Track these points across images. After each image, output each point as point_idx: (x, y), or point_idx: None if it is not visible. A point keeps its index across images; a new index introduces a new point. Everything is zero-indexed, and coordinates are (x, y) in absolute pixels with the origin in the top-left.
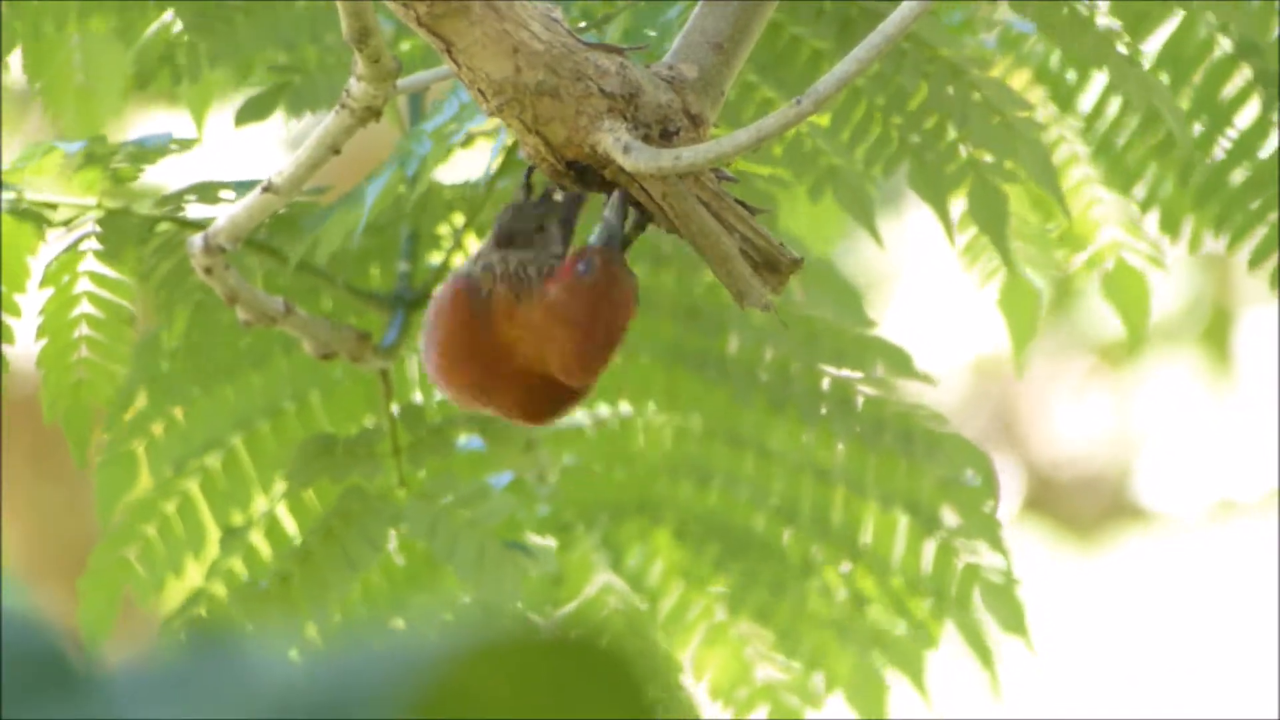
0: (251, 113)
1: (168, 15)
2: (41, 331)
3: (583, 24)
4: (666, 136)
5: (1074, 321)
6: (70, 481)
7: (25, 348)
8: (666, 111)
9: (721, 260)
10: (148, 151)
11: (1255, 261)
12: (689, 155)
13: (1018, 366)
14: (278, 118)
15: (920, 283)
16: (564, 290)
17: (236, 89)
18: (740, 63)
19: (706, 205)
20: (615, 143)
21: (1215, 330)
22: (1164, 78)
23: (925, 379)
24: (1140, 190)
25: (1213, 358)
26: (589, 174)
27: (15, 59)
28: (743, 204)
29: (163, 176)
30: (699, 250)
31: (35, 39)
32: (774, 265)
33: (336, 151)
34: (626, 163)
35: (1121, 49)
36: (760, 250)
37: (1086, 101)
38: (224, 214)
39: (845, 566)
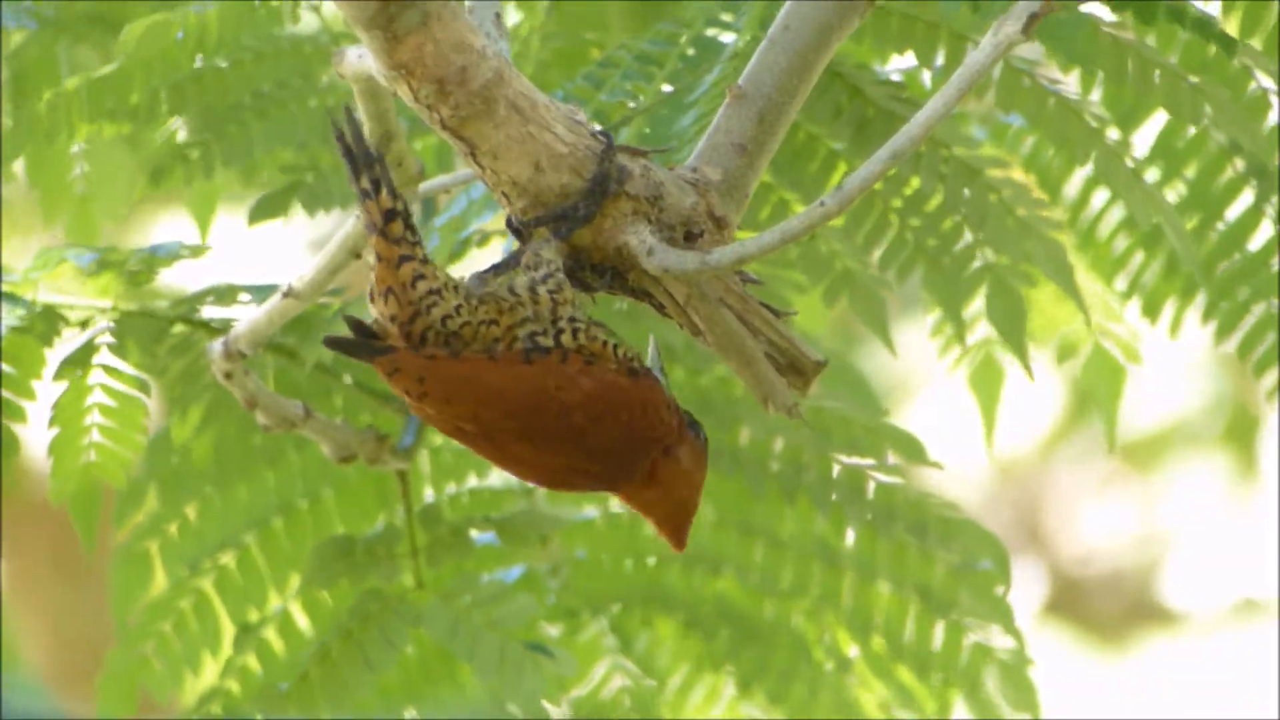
0: (265, 211)
1: (178, 120)
2: (54, 420)
3: (597, 127)
4: (690, 239)
5: (1097, 424)
6: (91, 583)
7: (42, 451)
8: (690, 214)
9: (746, 363)
10: (159, 258)
11: (1244, 353)
12: (713, 257)
13: (988, 445)
14: (282, 218)
15: (944, 383)
16: (689, 453)
17: (243, 190)
18: (764, 165)
19: (731, 308)
20: (640, 245)
21: (1238, 430)
22: (1155, 171)
23: (936, 466)
24: (1122, 281)
25: (1236, 458)
26: (614, 276)
27: (20, 166)
28: (768, 306)
29: (177, 277)
30: (723, 353)
31: (43, 146)
32: (799, 368)
33: (358, 256)
34: (651, 265)
35: (1111, 141)
36: (785, 353)
37: (1072, 189)
38: (244, 319)
39: (854, 651)
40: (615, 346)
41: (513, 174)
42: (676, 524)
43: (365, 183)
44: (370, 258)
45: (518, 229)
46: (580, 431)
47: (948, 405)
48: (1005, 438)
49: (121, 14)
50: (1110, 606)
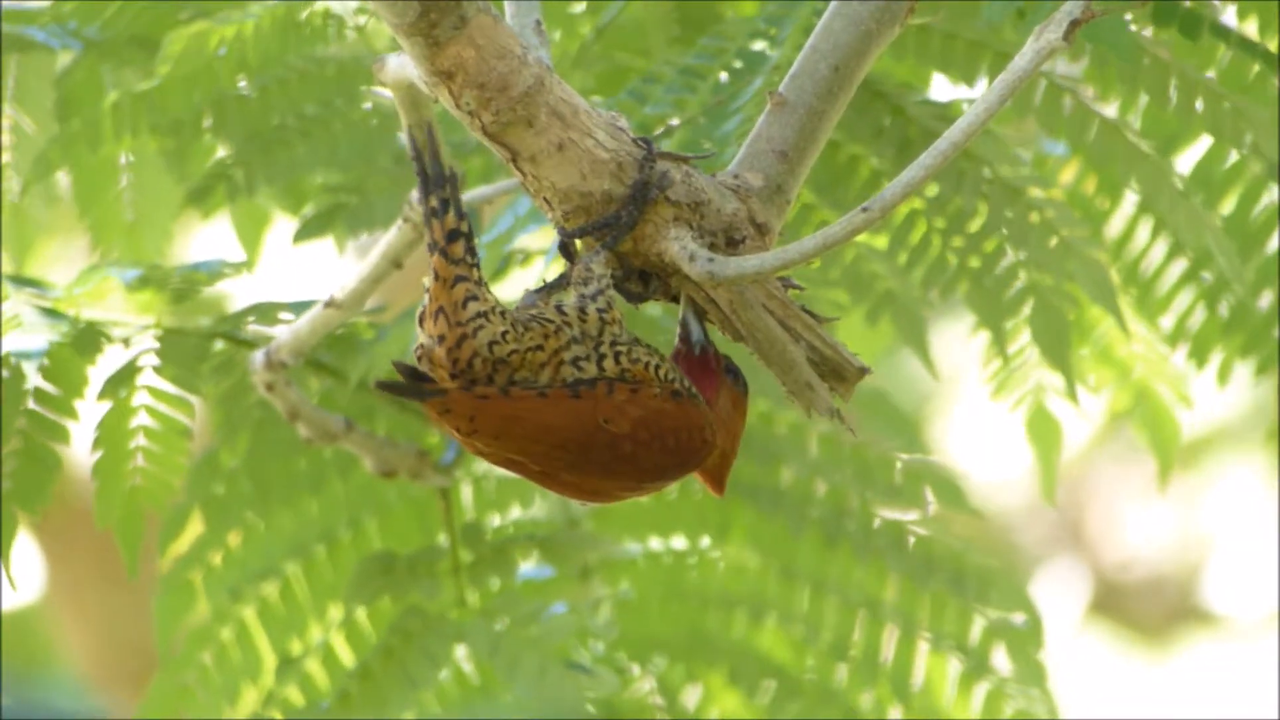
0: (309, 232)
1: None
2: (98, 443)
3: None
4: (732, 244)
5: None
6: (133, 587)
7: (85, 458)
8: (732, 220)
9: (788, 368)
10: (201, 275)
11: None
12: (755, 263)
13: (1047, 493)
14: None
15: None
16: (729, 400)
17: (288, 210)
18: (806, 171)
19: (773, 313)
20: (681, 251)
21: None
22: (1197, 199)
23: (975, 514)
24: (1168, 320)
25: (1277, 462)
26: (655, 281)
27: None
28: (810, 312)
29: (219, 292)
30: (765, 359)
31: (91, 173)
32: (841, 374)
33: (399, 266)
34: (693, 271)
35: (1177, 179)
36: (827, 359)
37: (1115, 227)
38: (286, 329)
39: (895, 713)
40: (657, 368)
41: (554, 180)
42: (717, 474)
43: (434, 201)
44: (427, 278)
45: (566, 246)
46: (630, 458)
47: (986, 412)
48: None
49: (164, 37)
50: (1152, 609)
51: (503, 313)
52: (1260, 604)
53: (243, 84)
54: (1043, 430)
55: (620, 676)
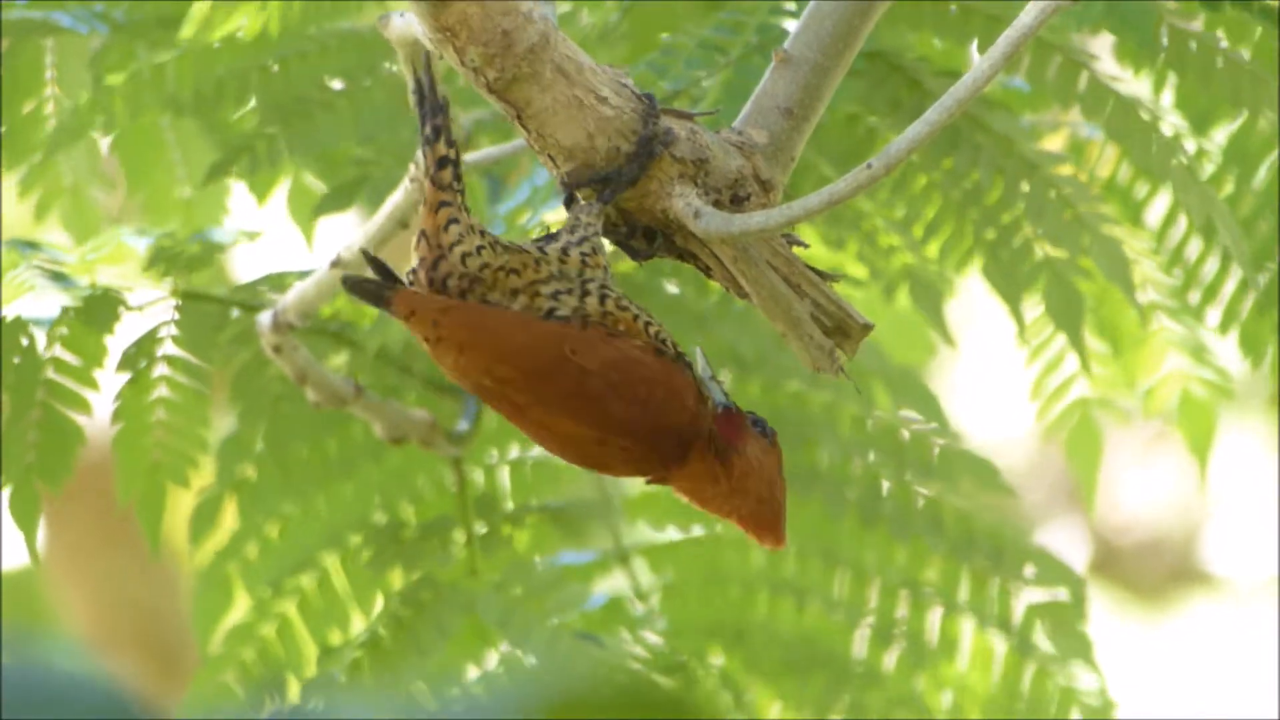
0: (331, 204)
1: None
2: (117, 416)
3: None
4: (737, 202)
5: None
6: (137, 550)
7: (94, 419)
8: (736, 177)
9: (792, 325)
10: (216, 244)
11: None
12: (759, 220)
13: (1089, 503)
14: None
15: (983, 349)
16: (758, 448)
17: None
18: (810, 128)
19: (777, 270)
20: (686, 208)
21: None
22: (1230, 182)
23: (1010, 493)
24: (1215, 313)
25: (1278, 425)
26: (660, 238)
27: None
28: (814, 269)
29: (236, 261)
30: (770, 315)
31: (113, 126)
32: (846, 330)
33: (404, 225)
34: (697, 228)
35: (1184, 156)
36: (832, 315)
37: (1154, 216)
38: (293, 290)
39: (946, 697)
40: (647, 324)
41: (559, 137)
42: (765, 522)
43: (428, 129)
44: (421, 206)
45: (569, 201)
46: (597, 399)
47: (985, 373)
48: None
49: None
50: (1152, 571)
51: (482, 232)
52: (1259, 567)
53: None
54: (1084, 444)
55: (683, 672)
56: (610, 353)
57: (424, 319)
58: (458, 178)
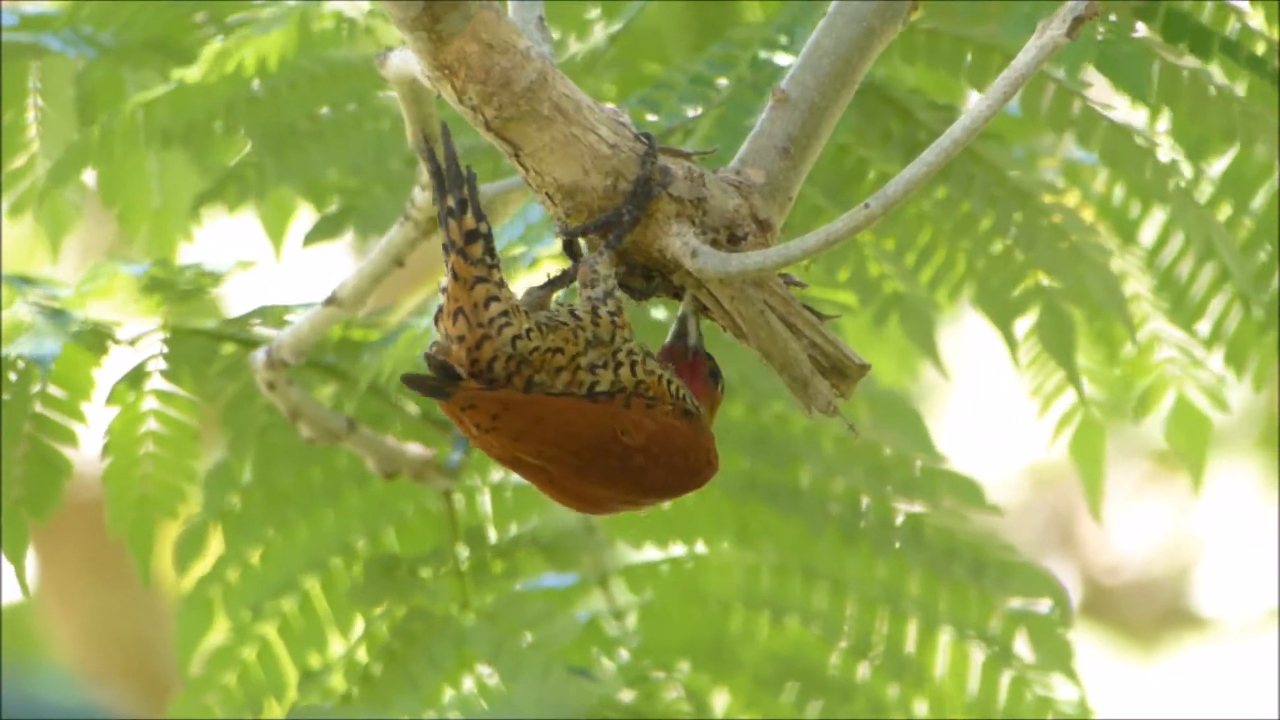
0: (320, 234)
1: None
2: (107, 450)
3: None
4: (734, 241)
5: (1130, 427)
6: (127, 584)
7: (84, 454)
8: (734, 216)
9: (788, 365)
10: (211, 274)
11: None
12: (757, 260)
13: (1094, 511)
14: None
15: (975, 388)
16: (708, 405)
17: (313, 203)
18: (808, 167)
19: (774, 310)
20: (683, 247)
21: (1271, 437)
22: (1226, 207)
23: (994, 511)
24: (1204, 326)
25: (1268, 465)
26: (658, 278)
27: (90, 179)
28: (811, 309)
29: (230, 292)
30: (766, 356)
31: (109, 163)
32: (842, 370)
33: (400, 264)
34: (694, 267)
35: (1182, 180)
36: (829, 356)
37: (1148, 235)
38: (288, 329)
39: (921, 707)
40: (669, 383)
41: (557, 175)
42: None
43: (451, 201)
44: (444, 278)
45: (569, 244)
46: (638, 471)
47: (980, 409)
48: (1038, 442)
49: (179, 40)
50: (1143, 611)
51: (526, 312)
52: (1250, 607)
53: (256, 86)
54: (1087, 444)
55: (646, 685)
56: (652, 425)
57: (484, 413)
58: (490, 251)
